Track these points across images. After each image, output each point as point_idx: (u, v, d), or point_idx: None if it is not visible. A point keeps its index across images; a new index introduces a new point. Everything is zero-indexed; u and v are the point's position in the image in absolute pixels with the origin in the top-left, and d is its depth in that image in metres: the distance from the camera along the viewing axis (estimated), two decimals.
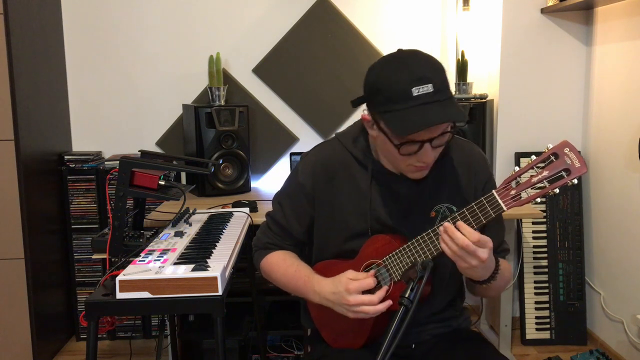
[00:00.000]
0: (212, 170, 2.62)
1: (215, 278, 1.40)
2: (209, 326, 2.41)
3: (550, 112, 2.82)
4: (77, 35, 2.98)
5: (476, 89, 2.90)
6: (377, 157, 1.42)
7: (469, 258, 1.20)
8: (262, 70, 3.05)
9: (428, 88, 1.20)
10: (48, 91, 2.80)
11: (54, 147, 2.83)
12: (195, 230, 1.85)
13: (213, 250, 1.62)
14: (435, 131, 1.24)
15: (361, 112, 1.36)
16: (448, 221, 1.25)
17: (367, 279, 1.31)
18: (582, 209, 2.80)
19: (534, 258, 2.79)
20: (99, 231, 2.68)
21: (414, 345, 1.48)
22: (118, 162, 1.73)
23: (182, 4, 2.99)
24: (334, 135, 1.53)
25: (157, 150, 3.08)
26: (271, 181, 3.09)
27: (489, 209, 1.22)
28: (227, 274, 1.51)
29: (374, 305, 1.28)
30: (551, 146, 1.18)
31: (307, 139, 3.08)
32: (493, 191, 1.22)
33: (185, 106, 2.92)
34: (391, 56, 1.29)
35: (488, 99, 2.78)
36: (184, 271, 1.42)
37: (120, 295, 1.39)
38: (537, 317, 2.80)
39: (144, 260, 1.51)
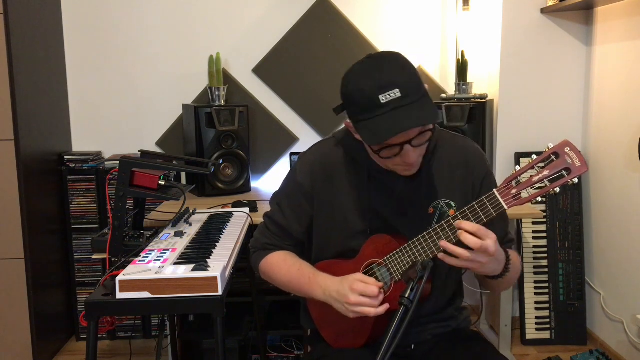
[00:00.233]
0: (212, 170, 2.62)
1: (215, 278, 1.40)
2: (209, 326, 2.41)
3: (550, 112, 2.82)
4: (77, 35, 2.98)
5: (476, 89, 2.90)
6: None
7: (478, 256, 1.20)
8: (262, 70, 3.05)
9: (395, 93, 1.21)
10: (48, 91, 2.80)
11: (54, 147, 2.83)
12: (195, 230, 1.85)
13: (213, 250, 1.62)
14: (410, 133, 1.24)
15: None
16: (445, 223, 1.25)
17: (372, 287, 1.29)
18: (582, 209, 2.80)
19: (534, 258, 2.79)
20: (99, 231, 2.68)
21: (413, 346, 1.48)
22: (118, 162, 1.73)
23: (182, 4, 2.99)
24: (331, 134, 1.54)
25: (157, 150, 3.08)
26: (271, 181, 3.09)
27: (490, 207, 1.22)
28: (227, 274, 1.51)
29: (374, 307, 1.28)
30: (552, 145, 1.19)
31: (307, 139, 3.08)
32: (494, 190, 1.22)
33: (185, 106, 2.92)
34: (359, 64, 1.29)
35: (488, 99, 2.78)
36: (184, 271, 1.42)
37: (120, 295, 1.39)
38: (537, 317, 2.80)
39: (144, 260, 1.51)
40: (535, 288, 2.80)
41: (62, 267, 2.84)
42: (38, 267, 2.59)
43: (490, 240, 1.19)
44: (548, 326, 2.80)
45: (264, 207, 2.43)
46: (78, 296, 2.89)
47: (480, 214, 1.23)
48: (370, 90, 1.22)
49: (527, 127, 2.80)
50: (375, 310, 1.28)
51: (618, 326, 2.59)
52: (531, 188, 1.19)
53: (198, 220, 2.01)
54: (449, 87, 3.05)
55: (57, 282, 2.80)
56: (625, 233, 2.51)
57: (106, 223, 2.78)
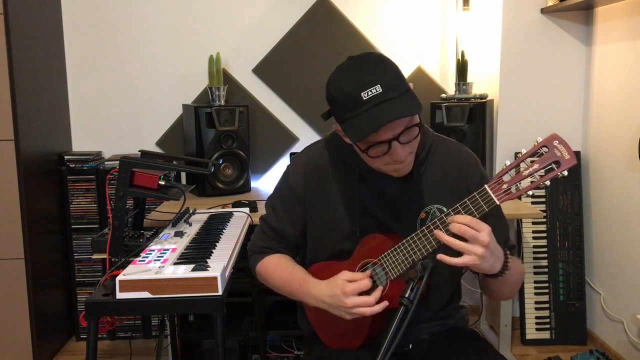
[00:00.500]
0: (212, 170, 2.62)
1: (215, 278, 1.40)
2: (209, 326, 2.41)
3: (550, 112, 2.82)
4: (77, 35, 2.98)
5: (476, 89, 2.90)
6: None
7: (473, 247, 1.19)
8: (262, 70, 3.05)
9: (377, 89, 1.21)
10: (48, 91, 2.80)
11: (54, 147, 2.83)
12: (195, 230, 1.85)
13: (213, 250, 1.62)
14: (396, 128, 1.24)
15: None
16: (438, 220, 1.25)
17: (363, 281, 1.30)
18: (582, 209, 2.80)
19: (534, 258, 2.79)
20: (99, 231, 2.68)
21: (411, 345, 1.48)
22: (118, 162, 1.73)
23: (182, 4, 2.99)
24: (323, 136, 1.54)
25: (157, 150, 3.08)
26: (271, 181, 3.09)
27: (481, 203, 1.22)
28: (227, 274, 1.51)
29: (370, 306, 1.28)
30: (540, 139, 1.19)
31: (307, 139, 3.08)
32: (485, 186, 1.22)
33: (185, 106, 2.92)
34: (341, 66, 1.30)
35: (488, 99, 2.78)
36: (184, 271, 1.42)
37: (120, 295, 1.39)
38: (537, 317, 2.80)
39: (144, 260, 1.51)
40: (535, 288, 2.80)
41: (62, 267, 2.84)
42: (38, 267, 2.59)
43: (484, 231, 1.19)
44: (548, 326, 2.80)
45: (264, 208, 2.43)
46: (78, 296, 2.89)
47: (473, 209, 1.23)
48: (352, 89, 1.22)
49: (527, 127, 2.80)
50: (371, 309, 1.28)
51: (618, 326, 2.59)
52: (522, 182, 1.19)
53: (198, 220, 2.01)
54: (449, 87, 3.05)
55: (57, 282, 2.80)
56: (625, 233, 2.51)
57: (106, 223, 2.78)
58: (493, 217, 1.40)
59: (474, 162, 1.46)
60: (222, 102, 2.82)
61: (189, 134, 2.84)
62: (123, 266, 1.49)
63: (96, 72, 3.02)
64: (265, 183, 3.10)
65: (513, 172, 1.21)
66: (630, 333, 2.49)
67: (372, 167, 1.36)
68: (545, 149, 1.18)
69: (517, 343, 2.83)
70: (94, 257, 1.82)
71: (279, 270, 1.50)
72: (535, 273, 2.80)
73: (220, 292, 1.40)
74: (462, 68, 2.82)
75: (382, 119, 1.20)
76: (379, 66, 1.25)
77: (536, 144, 1.19)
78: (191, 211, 2.09)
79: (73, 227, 2.84)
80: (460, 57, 2.84)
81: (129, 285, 1.38)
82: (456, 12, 2.98)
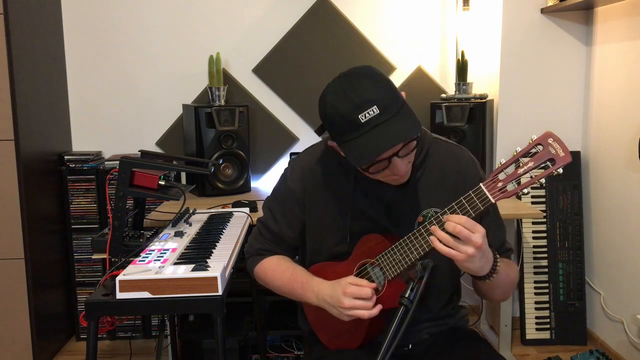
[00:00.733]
0: (212, 170, 2.62)
1: (215, 278, 1.40)
2: (209, 326, 2.41)
3: (550, 112, 2.82)
4: (77, 35, 2.98)
5: (476, 89, 2.90)
6: None
7: (464, 246, 1.19)
8: (262, 70, 3.05)
9: (374, 110, 1.20)
10: (48, 91, 2.80)
11: (54, 147, 2.83)
12: (195, 230, 1.85)
13: (213, 250, 1.62)
14: (395, 147, 1.24)
15: None
16: (435, 219, 1.25)
17: (366, 289, 1.30)
18: (582, 209, 2.80)
19: (534, 258, 2.79)
20: (99, 231, 2.68)
21: (410, 346, 1.48)
22: (118, 162, 1.73)
23: (182, 4, 2.99)
24: (321, 139, 1.53)
25: (157, 150, 3.08)
26: (271, 181, 3.09)
27: (477, 201, 1.22)
28: (227, 274, 1.51)
29: (368, 310, 1.28)
30: (535, 137, 1.19)
31: (307, 139, 3.08)
32: (480, 184, 1.22)
33: (185, 106, 2.92)
34: (333, 85, 1.27)
35: (488, 99, 2.78)
36: (184, 271, 1.42)
37: (120, 295, 1.39)
38: (537, 317, 2.80)
39: (144, 260, 1.51)
40: (535, 288, 2.80)
41: (62, 267, 2.84)
42: (38, 267, 2.59)
43: (478, 233, 1.19)
44: (548, 326, 2.80)
45: (262, 209, 2.43)
46: (78, 296, 2.89)
47: (468, 208, 1.23)
48: (349, 112, 1.21)
49: (527, 127, 2.80)
50: (369, 312, 1.28)
51: (618, 326, 2.59)
52: (517, 180, 1.19)
53: (198, 220, 2.01)
54: (449, 87, 3.05)
55: (57, 282, 2.80)
56: (625, 233, 2.51)
57: (106, 223, 2.78)
58: (489, 218, 1.40)
59: (473, 165, 1.46)
60: (222, 102, 2.82)
61: (189, 134, 2.84)
62: (123, 266, 1.49)
63: (96, 72, 3.02)
64: (265, 183, 3.10)
65: (509, 170, 1.21)
66: (630, 333, 2.49)
67: (371, 177, 1.36)
68: (540, 147, 1.18)
69: (517, 343, 2.83)
70: (94, 257, 1.82)
71: (279, 271, 1.50)
72: (535, 273, 2.80)
73: (220, 292, 1.40)
74: (462, 68, 2.82)
75: (383, 144, 1.20)
76: (373, 83, 1.23)
77: (531, 141, 1.19)
78: (191, 211, 2.09)
79: (73, 227, 2.84)
80: (460, 57, 2.84)
81: (129, 285, 1.38)
82: (456, 12, 2.98)
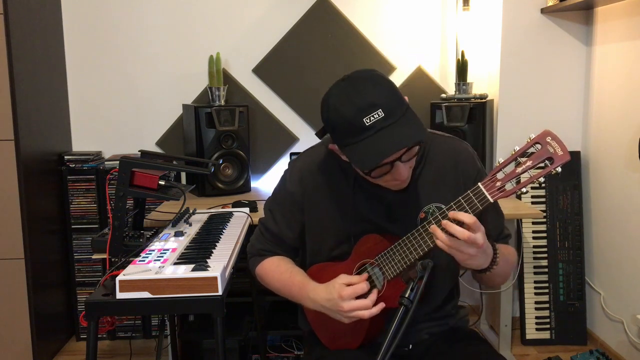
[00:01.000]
0: (212, 170, 2.62)
1: (215, 278, 1.40)
2: (209, 326, 2.41)
3: (550, 112, 2.82)
4: (77, 35, 2.98)
5: (476, 89, 2.90)
6: None
7: (468, 248, 1.20)
8: (262, 70, 3.05)
9: (379, 114, 1.20)
10: (48, 91, 2.80)
11: (54, 147, 2.83)
12: (195, 230, 1.85)
13: (213, 250, 1.62)
14: (399, 152, 1.24)
15: None
16: (434, 219, 1.25)
17: (360, 284, 1.30)
18: (582, 209, 2.80)
19: (534, 258, 2.79)
20: (99, 231, 2.67)
21: (411, 346, 1.48)
22: (118, 162, 1.73)
23: (182, 4, 2.99)
24: (321, 141, 1.53)
25: (157, 150, 3.08)
26: (271, 181, 3.09)
27: (475, 201, 1.22)
28: (227, 274, 1.51)
29: (368, 309, 1.28)
30: (533, 136, 1.19)
31: (307, 139, 3.08)
32: (479, 184, 1.22)
33: (185, 106, 2.92)
34: (337, 88, 1.27)
35: (488, 99, 2.78)
36: (184, 271, 1.42)
37: (120, 295, 1.39)
38: (537, 317, 2.80)
39: (144, 260, 1.51)
40: (535, 288, 2.80)
41: (62, 267, 2.84)
42: (38, 267, 2.59)
43: (479, 232, 1.19)
44: (548, 326, 2.80)
45: (263, 210, 2.43)
46: (78, 296, 2.89)
47: (467, 207, 1.23)
48: (353, 115, 1.21)
49: (527, 127, 2.80)
50: (369, 311, 1.28)
51: (618, 326, 2.59)
52: (515, 179, 1.19)
53: (198, 220, 2.00)
54: (449, 87, 3.05)
55: (57, 282, 2.80)
56: (625, 233, 2.51)
57: (106, 223, 2.78)
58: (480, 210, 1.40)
59: (470, 156, 1.46)
60: (222, 102, 2.82)
61: (189, 134, 2.84)
62: (123, 266, 1.49)
63: (96, 72, 3.02)
64: (265, 183, 3.10)
65: (507, 169, 1.21)
66: (630, 333, 2.49)
67: (371, 181, 1.36)
68: (538, 146, 1.18)
69: (517, 343, 2.82)
70: (94, 257, 1.82)
71: (278, 273, 1.51)
72: (535, 273, 2.80)
73: (220, 292, 1.40)
74: (462, 68, 2.81)
75: (388, 149, 1.20)
76: (377, 87, 1.23)
77: (529, 140, 1.19)
78: (191, 211, 2.09)
79: (73, 227, 2.84)
80: (460, 57, 2.84)
81: (129, 285, 1.38)
82: (456, 12, 2.98)
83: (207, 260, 1.52)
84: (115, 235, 1.70)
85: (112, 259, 1.69)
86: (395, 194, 1.40)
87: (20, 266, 2.52)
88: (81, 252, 2.86)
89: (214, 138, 2.73)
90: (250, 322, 2.48)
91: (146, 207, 2.07)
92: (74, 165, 2.82)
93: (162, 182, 1.76)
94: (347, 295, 1.29)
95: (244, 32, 3.02)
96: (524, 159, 1.18)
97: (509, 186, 1.19)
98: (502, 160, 1.21)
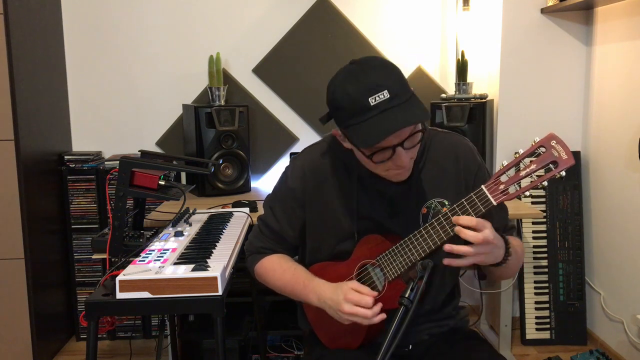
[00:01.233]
0: (212, 170, 2.62)
1: (215, 278, 1.40)
2: (209, 326, 2.41)
3: (550, 112, 2.82)
4: (77, 35, 2.98)
5: (476, 89, 2.90)
6: None
7: (482, 249, 1.21)
8: (262, 70, 3.05)
9: (384, 94, 1.20)
10: (48, 91, 2.80)
11: (54, 147, 2.83)
12: (195, 230, 1.85)
13: (213, 250, 1.62)
14: (402, 134, 1.24)
15: None
16: (435, 221, 1.25)
17: (367, 297, 1.29)
18: (582, 209, 2.80)
19: (534, 258, 2.79)
20: (99, 231, 2.68)
21: (411, 346, 1.48)
22: (118, 162, 1.73)
23: (182, 4, 2.99)
24: (322, 138, 1.53)
25: (157, 150, 3.08)
26: (271, 181, 3.08)
27: (478, 204, 1.22)
28: (227, 274, 1.50)
29: (367, 318, 1.28)
30: (538, 139, 1.19)
31: (307, 139, 3.08)
32: (482, 186, 1.22)
33: (185, 106, 2.92)
34: (344, 70, 1.28)
35: (488, 99, 2.78)
36: (184, 271, 1.42)
37: (120, 295, 1.38)
38: (537, 317, 2.80)
39: (144, 260, 1.51)
40: (535, 288, 2.80)
41: (62, 267, 2.84)
42: (38, 267, 2.59)
43: (487, 229, 1.20)
44: (548, 326, 2.80)
45: (262, 207, 2.43)
46: (78, 296, 2.89)
47: (470, 210, 1.23)
48: (359, 94, 1.21)
49: (527, 127, 2.80)
50: (367, 320, 1.28)
51: (618, 326, 2.59)
52: (519, 182, 1.19)
53: (198, 220, 2.00)
54: (449, 87, 3.05)
55: (57, 282, 2.80)
56: (625, 233, 2.51)
57: (106, 223, 2.78)
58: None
59: (470, 152, 1.46)
60: (222, 102, 2.82)
61: (189, 134, 2.84)
62: (123, 266, 1.49)
63: (96, 72, 3.02)
64: (265, 183, 3.10)
65: (511, 172, 1.21)
66: (630, 333, 2.49)
67: (372, 172, 1.36)
68: (542, 149, 1.17)
69: (517, 343, 2.82)
70: (94, 257, 1.82)
71: (280, 271, 1.50)
72: (535, 273, 2.80)
73: (220, 292, 1.40)
74: (462, 68, 2.81)
75: (392, 126, 1.19)
76: (384, 70, 1.25)
77: (534, 143, 1.19)
78: (191, 211, 2.09)
79: (73, 227, 2.84)
80: (460, 57, 2.84)
81: (129, 285, 1.38)
82: (456, 12, 2.98)
83: (207, 260, 1.52)
84: (115, 235, 1.70)
85: (112, 259, 1.69)
86: (397, 190, 1.40)
87: (20, 266, 2.52)
88: (81, 252, 2.86)
89: (214, 138, 2.73)
90: (250, 322, 2.48)
91: (146, 207, 2.07)
92: (74, 165, 2.82)
93: (162, 182, 1.76)
94: (351, 299, 1.29)
95: (244, 32, 3.02)
96: (527, 162, 1.18)
97: (512, 189, 1.19)
98: (506, 163, 1.21)
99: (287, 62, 3.03)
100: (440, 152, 1.44)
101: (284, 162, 3.10)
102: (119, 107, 3.05)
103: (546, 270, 2.79)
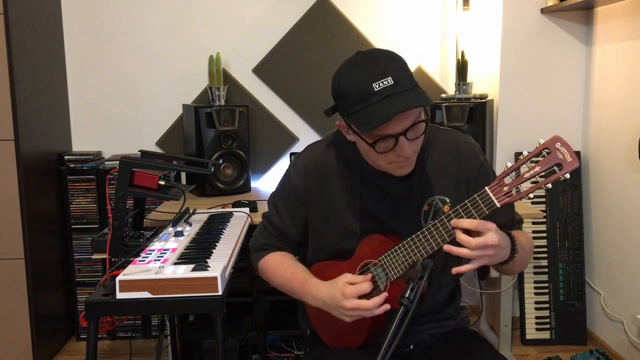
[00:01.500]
0: (212, 170, 2.62)
1: (215, 278, 1.40)
2: (209, 326, 2.41)
3: (550, 112, 2.82)
4: (77, 35, 2.98)
5: (476, 89, 2.90)
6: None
7: (485, 251, 1.21)
8: (262, 70, 3.05)
9: (388, 81, 1.21)
10: (48, 91, 2.80)
11: (54, 147, 2.83)
12: (195, 230, 1.85)
13: (213, 250, 1.62)
14: (405, 122, 1.24)
15: None
16: (438, 222, 1.25)
17: (363, 284, 1.30)
18: (582, 209, 2.80)
19: (534, 258, 2.79)
20: (99, 231, 2.68)
21: (412, 346, 1.48)
22: (118, 162, 1.73)
23: (182, 4, 2.99)
24: (324, 135, 1.54)
25: (157, 150, 3.08)
26: (271, 181, 3.09)
27: (482, 206, 1.22)
28: (227, 274, 1.51)
29: (369, 310, 1.28)
30: (543, 141, 1.18)
31: (307, 139, 3.07)
32: (486, 188, 1.22)
33: (185, 106, 2.92)
34: (350, 59, 1.30)
35: (488, 99, 2.78)
36: (184, 271, 1.42)
37: (120, 295, 1.39)
38: (537, 317, 2.80)
39: (144, 260, 1.51)
40: (535, 288, 2.80)
41: (62, 267, 2.84)
42: (38, 267, 2.59)
43: (490, 232, 1.20)
44: (548, 326, 2.80)
45: (264, 207, 2.41)
46: (78, 296, 2.89)
47: (473, 212, 1.23)
48: (363, 80, 1.23)
49: (527, 127, 2.80)
50: (371, 312, 1.28)
51: (618, 326, 2.59)
52: (523, 184, 1.19)
53: (198, 220, 2.00)
54: (449, 87, 3.05)
55: (57, 282, 2.80)
56: (625, 233, 2.51)
57: (106, 223, 2.78)
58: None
59: (472, 148, 1.46)
60: (222, 102, 2.82)
61: (189, 134, 2.84)
62: (123, 266, 1.49)
63: (96, 72, 3.02)
64: (265, 183, 3.10)
65: (514, 174, 1.20)
66: (630, 333, 2.49)
67: (375, 166, 1.36)
68: (547, 151, 1.17)
69: (517, 343, 2.83)
70: (94, 257, 1.82)
71: (281, 269, 1.50)
72: (535, 273, 2.80)
73: (220, 292, 1.40)
74: (462, 68, 2.81)
75: (395, 109, 1.20)
76: (390, 59, 1.26)
77: (538, 145, 1.18)
78: (191, 211, 2.09)
79: (73, 227, 2.84)
80: (460, 57, 2.84)
81: (129, 285, 1.38)
82: (456, 12, 2.98)
83: (207, 260, 1.52)
84: (115, 235, 1.70)
85: (112, 259, 1.69)
86: (399, 187, 1.40)
87: (20, 266, 2.52)
88: (81, 252, 2.86)
89: (214, 138, 2.73)
90: (250, 322, 2.48)
91: (146, 207, 2.07)
92: (74, 165, 2.82)
93: (162, 182, 1.76)
94: (349, 294, 1.29)
95: (244, 32, 3.02)
96: (532, 164, 1.18)
97: (515, 191, 1.19)
98: (509, 164, 1.21)
99: (287, 62, 3.03)
100: (442, 149, 1.44)
101: (284, 162, 3.11)
102: (119, 107, 3.05)
103: (546, 270, 2.79)
